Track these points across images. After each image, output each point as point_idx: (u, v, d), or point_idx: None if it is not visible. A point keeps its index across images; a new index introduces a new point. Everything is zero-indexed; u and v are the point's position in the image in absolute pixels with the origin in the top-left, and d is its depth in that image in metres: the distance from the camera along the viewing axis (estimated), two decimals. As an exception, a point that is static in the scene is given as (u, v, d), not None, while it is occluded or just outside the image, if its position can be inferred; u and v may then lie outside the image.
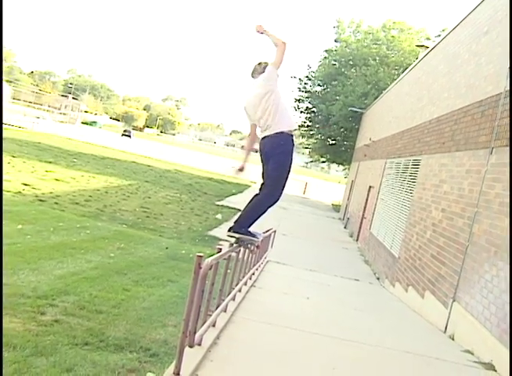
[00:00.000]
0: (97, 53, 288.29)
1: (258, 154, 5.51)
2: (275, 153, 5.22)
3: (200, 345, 4.12)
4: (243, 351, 4.84)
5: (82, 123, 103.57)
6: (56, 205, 16.20)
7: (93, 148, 44.86)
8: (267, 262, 11.82)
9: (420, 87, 15.59)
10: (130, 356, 5.45)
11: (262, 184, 5.42)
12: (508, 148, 7.13)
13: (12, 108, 66.29)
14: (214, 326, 4.73)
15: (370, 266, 16.59)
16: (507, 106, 7.47)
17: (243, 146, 6.19)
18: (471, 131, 9.07)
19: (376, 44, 39.58)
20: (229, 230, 5.33)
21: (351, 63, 38.80)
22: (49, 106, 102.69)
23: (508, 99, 7.47)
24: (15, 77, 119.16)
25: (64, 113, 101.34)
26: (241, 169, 5.77)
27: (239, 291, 6.59)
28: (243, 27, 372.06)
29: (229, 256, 4.93)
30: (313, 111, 41.78)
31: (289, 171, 5.33)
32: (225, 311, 5.43)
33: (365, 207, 21.70)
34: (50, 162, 27.13)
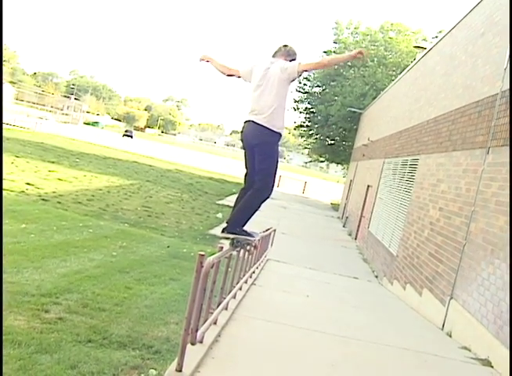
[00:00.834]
0: (99, 54, 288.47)
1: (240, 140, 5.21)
2: (260, 143, 4.91)
3: (201, 342, 4.14)
4: (243, 348, 4.89)
5: (84, 123, 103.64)
6: (59, 204, 16.30)
7: (95, 148, 44.92)
8: (267, 260, 11.90)
9: (417, 87, 15.68)
10: (133, 353, 5.52)
11: (246, 175, 5.17)
12: (504, 148, 7.23)
13: (15, 109, 66.36)
14: (215, 323, 4.77)
15: (369, 264, 16.68)
16: (504, 107, 7.57)
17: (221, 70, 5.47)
18: (468, 131, 9.17)
19: (374, 45, 39.64)
20: (223, 231, 5.06)
21: (349, 63, 38.85)
22: (52, 107, 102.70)
23: (505, 99, 7.57)
24: (18, 78, 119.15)
25: (67, 114, 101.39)
26: (206, 60, 5.41)
27: (240, 289, 6.64)
28: (243, 28, 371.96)
29: (230, 255, 4.95)
30: (312, 112, 41.87)
31: (277, 161, 5.00)
32: (227, 309, 5.47)
33: (363, 207, 21.79)
34: (53, 162, 27.25)
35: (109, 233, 13.21)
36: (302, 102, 42.52)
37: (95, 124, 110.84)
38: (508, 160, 6.92)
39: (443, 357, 6.26)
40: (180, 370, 3.58)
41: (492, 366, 6.06)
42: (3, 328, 5.08)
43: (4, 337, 5.14)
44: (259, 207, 5.02)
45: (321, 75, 41.07)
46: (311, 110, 41.91)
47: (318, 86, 42.40)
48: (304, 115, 42.96)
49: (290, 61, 5.08)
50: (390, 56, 39.08)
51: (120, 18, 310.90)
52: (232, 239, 5.00)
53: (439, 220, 9.71)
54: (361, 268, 16.12)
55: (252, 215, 5.02)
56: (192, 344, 3.74)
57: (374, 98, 30.71)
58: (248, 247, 5.34)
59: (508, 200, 6.64)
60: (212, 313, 4.58)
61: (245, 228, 5.05)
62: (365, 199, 21.65)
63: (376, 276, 14.75)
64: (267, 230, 10.89)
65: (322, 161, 51.21)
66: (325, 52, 41.24)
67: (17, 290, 6.99)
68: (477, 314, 6.93)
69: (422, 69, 15.65)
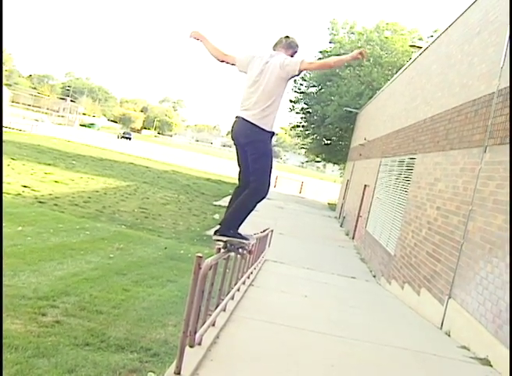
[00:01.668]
0: (95, 56, 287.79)
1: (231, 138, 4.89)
2: (250, 142, 4.64)
3: (200, 344, 4.13)
4: (242, 349, 4.88)
5: (80, 125, 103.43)
6: (56, 207, 16.27)
7: (91, 150, 44.85)
8: (265, 260, 11.89)
9: (413, 87, 15.69)
10: (131, 356, 5.49)
11: (239, 174, 4.90)
12: (502, 146, 7.22)
13: (11, 111, 66.25)
14: (213, 325, 4.75)
15: (366, 264, 16.68)
16: (501, 105, 7.56)
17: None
18: (465, 129, 9.16)
19: (369, 44, 39.65)
20: (215, 233, 4.73)
21: (345, 63, 38.92)
22: (48, 109, 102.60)
23: (502, 98, 7.57)
24: (14, 80, 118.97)
25: (62, 116, 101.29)
26: (197, 38, 5.04)
27: (238, 290, 6.63)
28: (238, 29, 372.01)
29: (228, 256, 4.91)
30: (308, 112, 41.95)
31: (271, 159, 4.70)
32: (225, 310, 5.46)
33: (360, 206, 21.79)
34: (49, 164, 27.21)
35: (106, 235, 13.19)
36: (298, 102, 42.59)
37: (91, 125, 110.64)
38: (506, 158, 6.91)
39: (442, 357, 6.24)
40: (179, 373, 3.57)
41: (492, 366, 6.05)
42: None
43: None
44: (254, 207, 4.75)
45: (317, 75, 41.12)
46: (308, 110, 42.00)
47: (314, 86, 42.46)
48: (300, 115, 43.07)
49: (292, 54, 4.84)
50: (385, 55, 39.11)
51: (116, 20, 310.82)
52: (225, 242, 4.67)
53: (437, 219, 9.70)
54: (359, 268, 16.11)
55: (247, 216, 4.77)
56: (191, 346, 3.72)
57: (370, 97, 30.74)
58: (243, 252, 4.95)
59: (506, 198, 6.64)
60: (210, 315, 4.56)
61: (239, 230, 4.77)
62: (363, 198, 21.66)
63: (374, 276, 14.74)
64: (264, 231, 10.88)
65: (318, 161, 51.34)
66: (320, 52, 41.27)
67: (14, 293, 6.96)
68: (475, 313, 6.92)
69: (418, 68, 15.66)
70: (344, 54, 40.31)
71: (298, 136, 46.39)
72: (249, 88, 4.73)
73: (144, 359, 5.44)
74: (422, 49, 16.25)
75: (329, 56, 40.79)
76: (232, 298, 6.06)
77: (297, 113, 42.85)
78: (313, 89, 42.59)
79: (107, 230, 14.07)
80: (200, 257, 3.54)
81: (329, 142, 42.79)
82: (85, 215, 15.92)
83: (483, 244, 7.18)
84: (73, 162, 31.34)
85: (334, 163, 49.14)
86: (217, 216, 21.20)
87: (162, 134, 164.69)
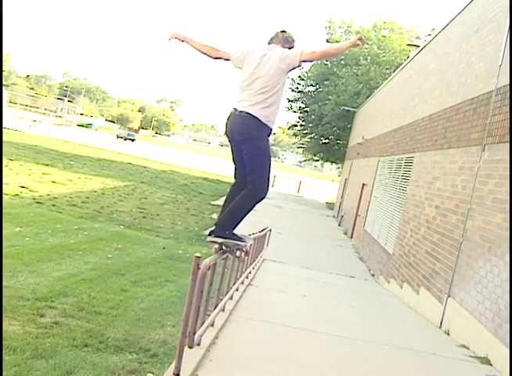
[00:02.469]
0: (92, 56, 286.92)
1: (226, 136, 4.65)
2: (246, 139, 4.38)
3: (199, 344, 4.11)
4: (241, 350, 4.87)
5: (78, 125, 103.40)
6: (54, 207, 16.24)
7: (89, 150, 44.79)
8: (263, 260, 11.88)
9: (411, 85, 15.68)
10: (130, 356, 5.47)
11: (235, 172, 4.68)
12: (501, 145, 7.22)
13: (9, 112, 66.16)
14: (212, 325, 4.74)
15: (365, 263, 16.67)
16: (499, 104, 7.56)
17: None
18: (463, 128, 9.15)
19: (367, 43, 39.67)
20: (210, 234, 4.48)
21: (342, 62, 38.87)
22: (45, 110, 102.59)
23: (500, 96, 7.56)
24: (12, 81, 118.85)
25: (60, 116, 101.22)
26: (181, 39, 4.80)
27: (237, 289, 6.62)
28: (235, 28, 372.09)
29: (227, 256, 4.85)
30: (306, 111, 41.92)
31: (269, 157, 4.46)
32: (223, 310, 5.45)
33: (358, 205, 21.79)
34: (47, 165, 27.16)
35: (104, 236, 13.16)
36: (296, 101, 42.57)
37: (88, 126, 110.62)
38: (505, 157, 6.90)
39: (441, 356, 6.24)
40: (178, 374, 3.56)
41: (491, 365, 6.04)
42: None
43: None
44: (252, 208, 4.51)
45: (314, 74, 41.15)
46: (305, 109, 41.97)
47: (311, 85, 42.46)
48: (297, 114, 43.05)
49: (289, 49, 4.62)
50: (383, 54, 39.12)
51: (113, 20, 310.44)
52: (220, 244, 4.42)
53: (435, 218, 9.69)
54: (357, 267, 16.11)
55: (244, 217, 4.51)
56: (190, 347, 3.70)
57: (368, 96, 30.75)
58: (238, 253, 4.75)
59: (505, 197, 6.63)
60: (209, 315, 4.54)
61: (235, 231, 4.51)
62: (361, 197, 21.65)
63: (373, 275, 14.74)
64: (263, 230, 10.87)
65: (316, 160, 51.26)
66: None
67: (12, 294, 6.93)
68: (475, 312, 6.91)
69: (416, 67, 15.65)
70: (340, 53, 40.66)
71: (296, 135, 46.33)
72: (246, 81, 4.50)
73: (143, 360, 5.42)
74: (420, 48, 16.25)
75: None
76: (231, 297, 6.05)
77: (294, 112, 42.85)
78: (311, 88, 42.58)
79: (105, 230, 14.05)
80: (199, 257, 3.51)
81: (326, 141, 42.77)
82: (83, 216, 15.90)
83: (482, 242, 7.17)
84: (71, 162, 31.30)
85: (332, 162, 49.14)
86: (215, 216, 21.15)
87: (160, 134, 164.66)
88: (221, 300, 5.20)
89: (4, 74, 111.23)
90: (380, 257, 14.36)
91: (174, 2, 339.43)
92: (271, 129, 4.49)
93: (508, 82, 7.21)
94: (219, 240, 4.39)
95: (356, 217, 21.92)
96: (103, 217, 16.51)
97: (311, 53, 4.47)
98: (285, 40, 4.66)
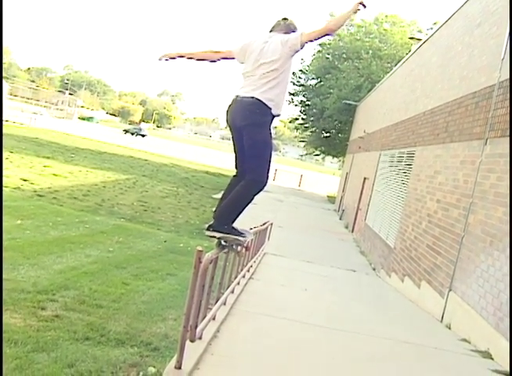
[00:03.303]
0: (93, 49, 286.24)
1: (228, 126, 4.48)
2: (248, 124, 4.21)
3: (200, 338, 4.11)
4: (243, 343, 4.87)
5: (79, 118, 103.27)
6: (55, 200, 16.26)
7: (90, 143, 44.78)
8: (264, 254, 11.88)
9: (413, 79, 15.63)
10: (131, 350, 5.45)
11: (236, 164, 4.49)
12: (503, 139, 7.19)
13: (9, 104, 66.03)
14: (214, 319, 4.74)
15: (366, 257, 16.67)
16: (501, 97, 7.53)
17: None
18: (465, 122, 9.12)
19: (368, 37, 39.58)
20: (208, 229, 4.26)
21: (344, 56, 38.82)
22: (46, 102, 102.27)
23: (503, 90, 7.53)
24: (12, 73, 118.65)
25: (61, 109, 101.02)
26: (171, 57, 4.69)
27: (238, 283, 6.62)
28: (236, 22, 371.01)
29: (228, 250, 4.81)
30: (307, 105, 41.84)
31: (270, 145, 4.30)
32: (225, 304, 5.45)
33: (360, 199, 21.76)
34: (48, 157, 27.18)
35: (105, 229, 13.17)
36: (297, 95, 42.49)
37: (89, 119, 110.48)
38: (507, 151, 6.88)
39: (443, 350, 6.25)
40: (179, 368, 3.56)
41: (492, 359, 6.05)
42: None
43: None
44: (251, 201, 4.29)
45: (316, 68, 41.06)
46: (307, 103, 41.89)
47: (313, 79, 42.39)
48: (299, 108, 42.98)
49: None
50: (385, 47, 39.02)
51: (114, 12, 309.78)
52: (219, 238, 4.25)
53: (437, 212, 9.68)
54: (358, 260, 16.11)
55: (243, 210, 4.30)
56: (192, 341, 3.69)
57: (369, 90, 30.67)
58: (239, 249, 4.60)
59: (507, 191, 6.61)
60: (211, 309, 4.54)
61: (236, 224, 4.33)
62: (362, 191, 21.63)
63: (374, 269, 14.74)
64: (264, 224, 10.85)
65: (317, 154, 51.21)
66: (320, 44, 41.14)
67: (13, 287, 6.92)
68: (476, 306, 6.91)
69: (418, 60, 15.59)
70: (342, 46, 39.91)
71: (297, 129, 46.32)
72: (249, 68, 4.38)
73: (144, 353, 5.40)
74: (422, 41, 16.19)
75: (328, 48, 40.77)
76: (233, 291, 6.05)
77: (295, 105, 42.79)
78: (312, 82, 42.51)
79: (106, 223, 14.06)
80: (201, 251, 3.49)
81: (328, 135, 42.70)
82: (84, 209, 15.90)
83: (484, 236, 7.16)
84: (72, 155, 31.30)
85: (333, 156, 49.09)
86: (216, 209, 21.18)
87: (161, 127, 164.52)
88: (223, 294, 5.20)
89: (4, 66, 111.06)
90: (382, 251, 14.35)
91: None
92: (275, 115, 4.32)
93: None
94: (218, 234, 4.22)
95: (357, 211, 21.90)
96: (104, 210, 16.52)
97: (312, 33, 4.29)
98: (287, 27, 4.52)
